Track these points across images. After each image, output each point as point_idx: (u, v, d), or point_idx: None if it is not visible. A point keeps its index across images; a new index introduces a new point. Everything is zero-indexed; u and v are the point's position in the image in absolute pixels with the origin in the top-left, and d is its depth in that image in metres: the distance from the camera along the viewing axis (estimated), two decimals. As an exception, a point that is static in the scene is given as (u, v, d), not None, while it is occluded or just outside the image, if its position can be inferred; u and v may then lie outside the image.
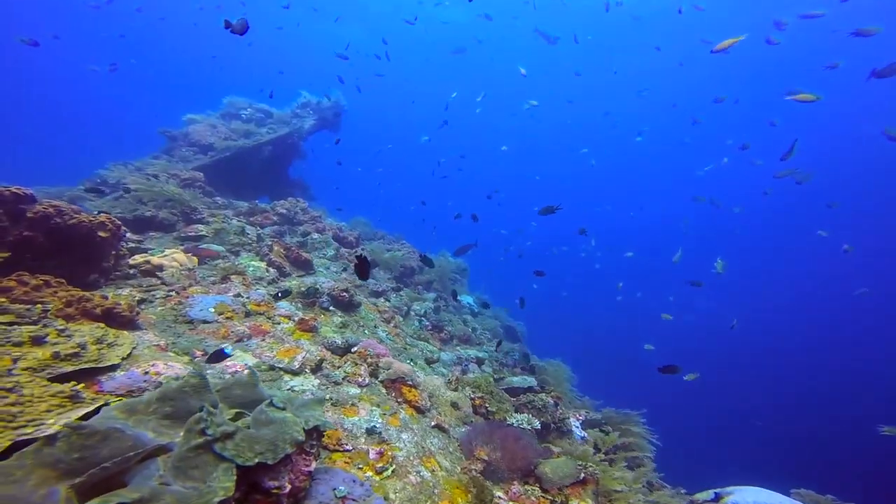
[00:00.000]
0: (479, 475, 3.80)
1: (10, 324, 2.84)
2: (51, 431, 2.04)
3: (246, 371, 2.68)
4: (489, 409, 5.13)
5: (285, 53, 38.20)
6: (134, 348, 3.26)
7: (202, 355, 3.76)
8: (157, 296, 4.46)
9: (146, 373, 3.07)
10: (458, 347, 7.62)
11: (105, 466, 1.76)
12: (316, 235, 8.29)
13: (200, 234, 6.81)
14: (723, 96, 11.64)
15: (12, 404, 2.09)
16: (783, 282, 42.56)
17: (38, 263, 4.08)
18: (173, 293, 4.60)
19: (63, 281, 3.75)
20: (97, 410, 2.30)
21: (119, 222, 4.64)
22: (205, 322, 4.27)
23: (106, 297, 3.60)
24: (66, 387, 2.33)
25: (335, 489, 2.62)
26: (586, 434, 5.88)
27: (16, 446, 1.93)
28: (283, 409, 2.44)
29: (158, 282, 4.75)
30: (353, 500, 2.64)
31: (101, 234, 4.43)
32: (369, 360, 4.65)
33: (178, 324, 4.13)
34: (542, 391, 6.32)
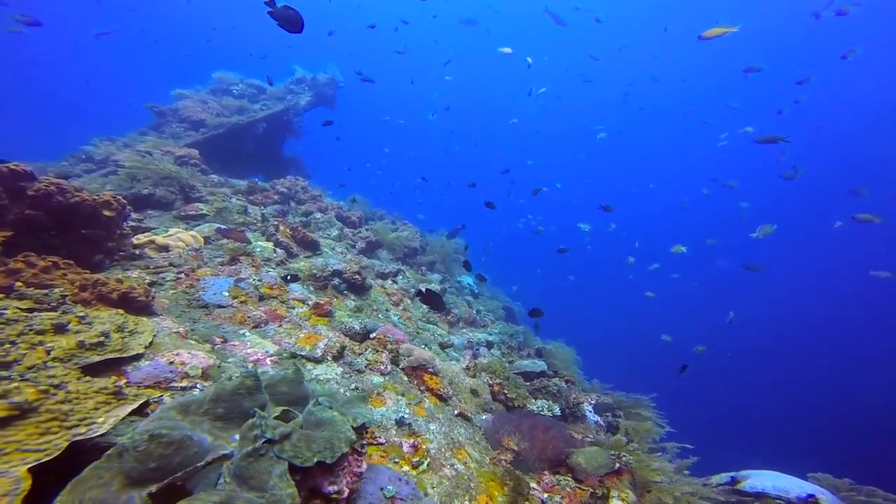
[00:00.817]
0: (509, 466, 3.75)
1: (30, 310, 2.64)
2: (103, 430, 1.90)
3: (291, 368, 2.54)
4: (508, 395, 5.07)
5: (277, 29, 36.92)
6: (154, 336, 3.08)
7: (221, 342, 3.59)
8: (168, 278, 4.25)
9: (171, 363, 2.90)
10: (464, 330, 7.54)
11: (178, 476, 1.66)
12: (319, 215, 8.05)
13: (201, 212, 6.54)
14: (758, 66, 11.04)
15: (62, 402, 1.92)
16: (799, 267, 43.08)
17: (41, 244, 3.83)
18: (183, 275, 4.38)
19: (71, 262, 3.52)
20: (143, 407, 2.16)
21: (124, 201, 4.38)
22: (219, 307, 4.08)
23: (120, 281, 3.39)
24: (108, 382, 2.16)
25: (383, 489, 2.52)
26: (599, 418, 5.89)
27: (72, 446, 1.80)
28: (331, 407, 2.32)
29: (167, 263, 4.53)
30: (402, 499, 2.55)
31: (107, 212, 4.18)
32: (389, 346, 4.52)
33: (192, 308, 3.93)
34: (556, 375, 6.29)
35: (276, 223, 6.37)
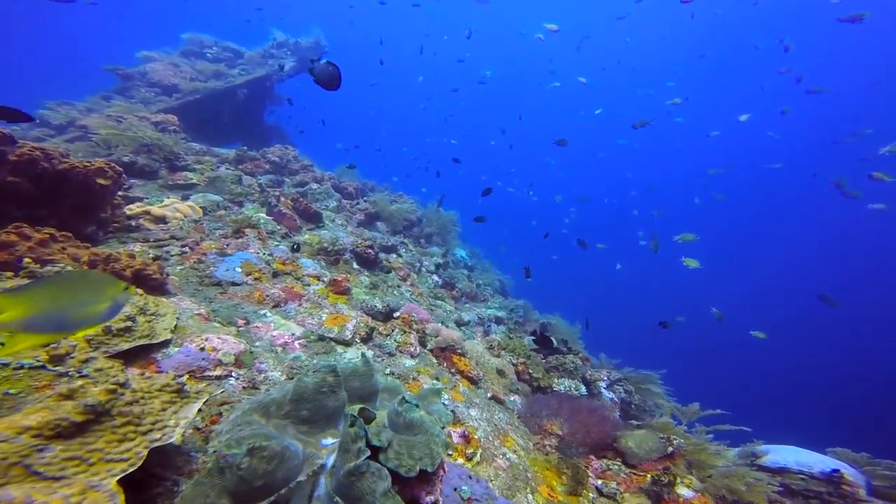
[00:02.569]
0: (555, 452, 3.61)
1: None
2: (177, 435, 1.61)
3: (359, 359, 2.30)
4: (533, 374, 4.93)
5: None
6: (178, 319, 2.74)
7: (244, 324, 3.27)
8: (172, 252, 3.84)
9: (202, 349, 2.58)
10: (467, 305, 7.36)
11: (283, 494, 1.47)
12: (315, 185, 7.60)
13: (191, 182, 6.03)
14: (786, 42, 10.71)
15: (131, 402, 1.61)
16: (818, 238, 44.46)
17: (26, 213, 3.37)
18: (188, 249, 3.98)
19: (70, 235, 3.09)
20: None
21: (120, 168, 3.89)
22: (234, 284, 3.72)
23: (132, 256, 2.99)
24: (169, 377, 1.84)
25: (457, 489, 2.31)
26: (614, 395, 5.85)
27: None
28: (418, 406, 2.08)
29: (168, 236, 4.10)
30: (477, 500, 2.36)
31: (101, 181, 3.70)
32: (415, 326, 4.27)
33: (205, 287, 3.57)
34: (570, 352, 6.20)
35: (276, 193, 5.93)
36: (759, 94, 34.54)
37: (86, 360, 1.82)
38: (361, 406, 2.40)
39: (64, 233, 3.05)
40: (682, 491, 3.64)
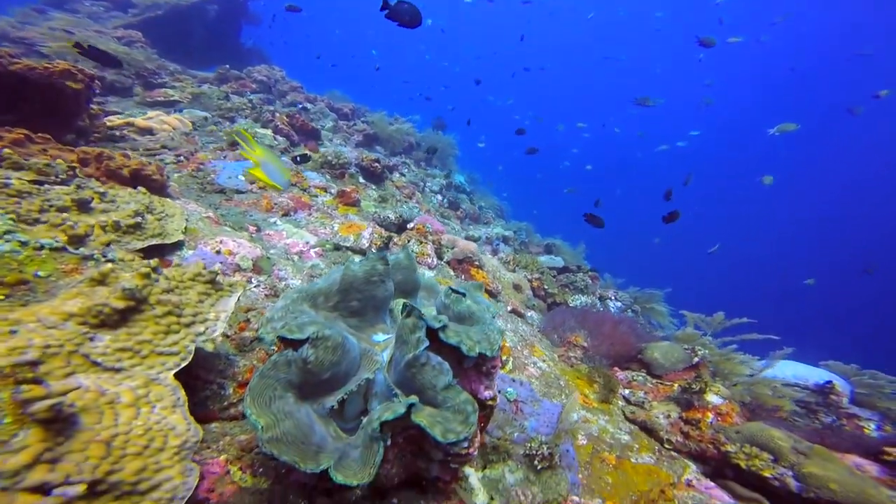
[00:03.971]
0: (580, 363, 3.55)
1: (36, 182, 1.95)
2: (219, 329, 1.43)
3: (402, 252, 2.10)
4: (548, 290, 4.82)
5: None
6: (187, 220, 2.47)
7: (255, 231, 3.02)
8: (167, 161, 3.51)
9: (218, 251, 2.34)
10: (471, 226, 7.17)
11: (351, 389, 1.44)
12: (308, 105, 7.08)
13: (172, 98, 5.53)
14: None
15: (168, 291, 1.40)
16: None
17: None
18: (183, 158, 3.64)
19: (49, 137, 2.73)
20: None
21: (90, 72, 3.43)
22: (239, 191, 3.43)
23: (127, 156, 2.67)
24: (199, 266, 1.61)
25: (503, 391, 2.22)
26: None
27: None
28: (465, 295, 1.91)
29: (159, 146, 3.73)
30: (523, 402, 2.28)
31: (72, 84, 3.26)
32: (431, 237, 4.06)
33: (207, 193, 3.27)
34: (580, 270, 6.12)
35: (270, 109, 5.48)
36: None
37: (107, 244, 1.59)
38: (405, 301, 2.23)
39: (42, 134, 2.69)
40: (711, 398, 3.67)
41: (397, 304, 2.14)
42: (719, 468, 3.32)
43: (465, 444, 1.60)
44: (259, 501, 1.58)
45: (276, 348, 2.12)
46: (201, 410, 1.79)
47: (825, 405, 4.49)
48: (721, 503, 2.91)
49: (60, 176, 2.08)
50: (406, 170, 6.77)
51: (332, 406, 1.57)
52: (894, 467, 3.56)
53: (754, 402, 3.90)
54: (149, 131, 4.02)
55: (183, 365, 1.36)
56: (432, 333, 1.61)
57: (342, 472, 1.39)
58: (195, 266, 1.58)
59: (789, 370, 4.96)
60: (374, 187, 4.96)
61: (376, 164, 4.97)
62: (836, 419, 4.60)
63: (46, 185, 1.94)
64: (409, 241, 3.86)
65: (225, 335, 2.02)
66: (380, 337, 1.91)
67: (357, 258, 1.84)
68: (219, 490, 1.58)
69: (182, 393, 1.34)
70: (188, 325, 1.40)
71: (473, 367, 1.77)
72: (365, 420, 1.57)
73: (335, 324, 1.65)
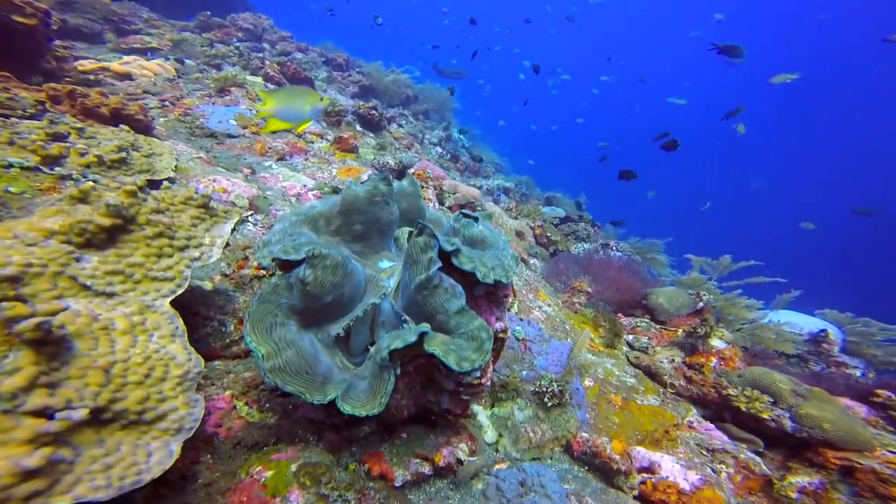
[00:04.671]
0: (583, 308, 3.50)
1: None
2: (215, 255, 1.35)
3: (406, 179, 2.03)
4: (550, 238, 4.73)
5: None
6: (177, 160, 2.34)
7: (250, 173, 2.89)
8: (151, 105, 3.32)
9: (212, 190, 2.23)
10: (471, 178, 7.01)
11: (358, 315, 1.40)
12: (299, 55, 6.76)
13: (150, 46, 5.24)
14: None
15: (157, 211, 1.29)
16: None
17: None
18: (168, 103, 3.45)
19: (9, 75, 2.54)
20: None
21: (42, 6, 3.16)
22: (230, 136, 3.27)
23: (105, 94, 2.50)
24: (190, 190, 1.50)
25: (512, 330, 2.16)
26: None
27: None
28: (477, 220, 1.80)
29: (141, 91, 3.54)
30: (531, 340, 2.22)
31: (21, 19, 3.00)
32: (431, 182, 3.93)
33: (197, 137, 3.11)
34: (581, 220, 6.03)
35: (259, 57, 5.21)
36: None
37: (86, 166, 1.47)
38: (410, 230, 2.14)
39: (2, 73, 2.50)
40: (715, 342, 3.64)
41: (403, 232, 2.04)
42: (718, 411, 3.37)
43: (478, 374, 1.54)
44: (267, 436, 1.54)
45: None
46: (203, 348, 1.72)
47: (816, 354, 4.53)
48: (721, 443, 2.95)
49: (28, 110, 1.93)
50: (404, 121, 6.54)
51: (338, 334, 1.50)
52: (881, 408, 3.67)
53: (755, 346, 3.92)
54: (127, 76, 3.80)
55: (179, 292, 1.27)
56: (443, 258, 1.52)
57: (350, 402, 1.33)
58: (186, 190, 1.47)
59: (784, 317, 4.98)
60: (371, 135, 4.78)
61: (374, 112, 4.77)
62: (826, 367, 4.66)
63: (14, 119, 1.79)
64: (409, 187, 3.73)
65: (223, 274, 1.94)
66: (385, 264, 1.83)
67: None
68: (227, 425, 1.54)
69: (180, 322, 1.27)
70: (182, 250, 1.30)
71: (485, 296, 1.69)
72: (373, 349, 1.50)
73: (337, 247, 1.56)
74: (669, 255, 6.49)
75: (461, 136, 9.71)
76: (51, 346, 0.98)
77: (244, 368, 1.76)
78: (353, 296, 1.50)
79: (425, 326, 1.36)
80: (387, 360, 1.32)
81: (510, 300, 1.92)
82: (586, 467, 2.30)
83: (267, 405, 1.64)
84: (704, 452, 2.90)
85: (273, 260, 1.43)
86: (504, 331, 1.79)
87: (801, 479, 2.68)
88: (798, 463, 3.04)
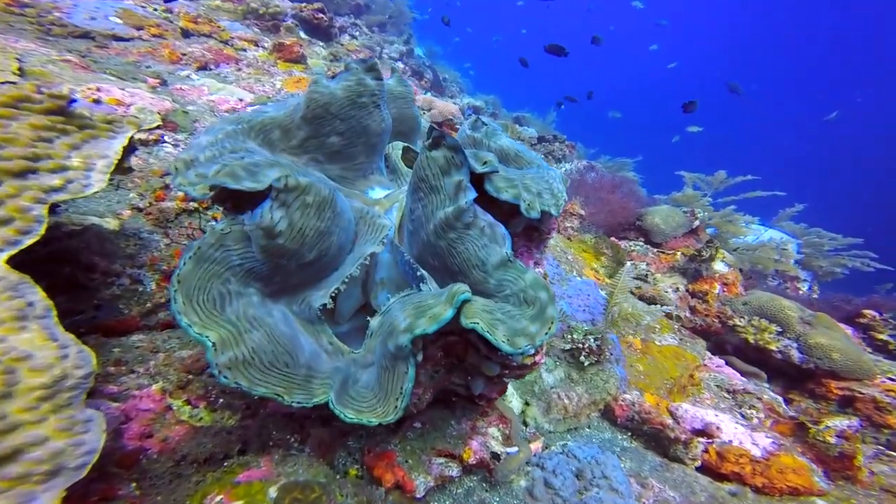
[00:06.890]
0: (576, 234, 3.04)
1: None
2: (95, 186, 0.88)
3: (392, 78, 1.53)
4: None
5: None
6: (19, 59, 1.55)
7: (159, 83, 2.10)
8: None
9: (97, 101, 1.53)
10: (436, 97, 6.23)
11: (355, 275, 0.96)
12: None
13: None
14: None
15: None
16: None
17: None
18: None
19: None
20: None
21: None
22: (118, 38, 2.41)
23: None
24: (28, 86, 0.84)
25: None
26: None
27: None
28: (501, 130, 1.23)
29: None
30: (550, 281, 1.79)
31: None
32: (402, 96, 3.21)
33: (58, 37, 2.24)
34: (556, 140, 5.46)
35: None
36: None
37: None
38: (405, 145, 1.51)
39: None
40: (718, 265, 3.35)
41: (394, 148, 1.43)
42: (720, 343, 3.14)
43: (532, 351, 0.99)
44: (227, 444, 1.03)
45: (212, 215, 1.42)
46: (108, 317, 1.12)
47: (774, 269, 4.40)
48: (740, 383, 2.68)
49: None
50: (357, 31, 5.55)
51: (324, 305, 0.95)
52: (865, 329, 3.55)
53: (752, 268, 3.69)
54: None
55: (27, 241, 0.78)
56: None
57: (353, 406, 0.87)
58: (14, 87, 0.80)
59: (750, 235, 4.84)
60: (321, 44, 3.90)
61: (320, 16, 3.85)
62: (782, 282, 4.58)
63: None
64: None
65: (135, 207, 1.29)
66: (377, 192, 1.25)
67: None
68: (160, 435, 0.98)
69: (39, 294, 0.77)
70: (19, 175, 0.68)
71: (523, 233, 1.13)
72: (374, 323, 0.95)
73: (314, 173, 0.96)
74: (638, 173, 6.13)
75: (421, 54, 8.74)
76: None
77: (179, 343, 1.18)
78: (342, 245, 0.93)
79: (465, 291, 0.83)
80: (406, 350, 0.80)
81: (553, 235, 1.37)
82: (630, 434, 1.90)
83: (220, 400, 1.11)
84: (726, 395, 2.61)
85: (210, 189, 0.85)
86: (544, 276, 1.25)
87: (839, 421, 2.41)
88: (799, 395, 2.88)
